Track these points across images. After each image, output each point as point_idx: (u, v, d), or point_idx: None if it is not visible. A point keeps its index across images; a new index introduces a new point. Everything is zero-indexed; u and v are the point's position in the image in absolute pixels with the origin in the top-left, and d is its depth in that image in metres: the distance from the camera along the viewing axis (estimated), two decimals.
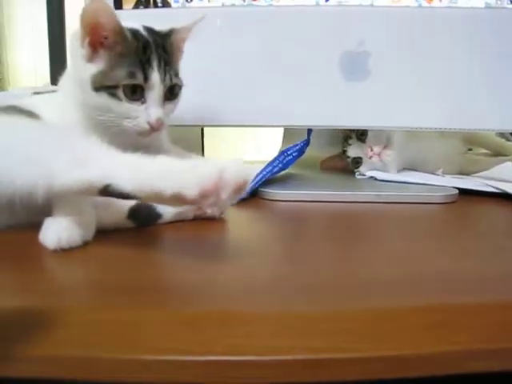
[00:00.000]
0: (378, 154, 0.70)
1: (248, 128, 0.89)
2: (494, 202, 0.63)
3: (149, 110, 0.49)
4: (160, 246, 0.46)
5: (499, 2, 0.62)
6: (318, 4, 0.63)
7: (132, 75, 0.47)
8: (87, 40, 0.48)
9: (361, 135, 0.71)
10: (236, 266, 0.39)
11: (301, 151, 0.68)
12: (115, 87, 0.47)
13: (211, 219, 0.51)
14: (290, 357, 0.28)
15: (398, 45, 0.64)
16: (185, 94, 0.54)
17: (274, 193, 0.62)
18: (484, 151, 0.89)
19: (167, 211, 0.48)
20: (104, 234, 0.44)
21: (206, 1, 0.64)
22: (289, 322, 0.30)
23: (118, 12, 0.63)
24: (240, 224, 0.54)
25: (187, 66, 0.57)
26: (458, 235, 0.52)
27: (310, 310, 0.31)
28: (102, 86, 0.47)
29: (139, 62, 0.48)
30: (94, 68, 0.48)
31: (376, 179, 0.69)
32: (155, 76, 0.48)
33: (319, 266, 0.40)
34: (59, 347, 0.28)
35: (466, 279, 0.37)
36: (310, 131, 0.68)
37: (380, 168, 0.70)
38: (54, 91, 0.83)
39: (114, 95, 0.47)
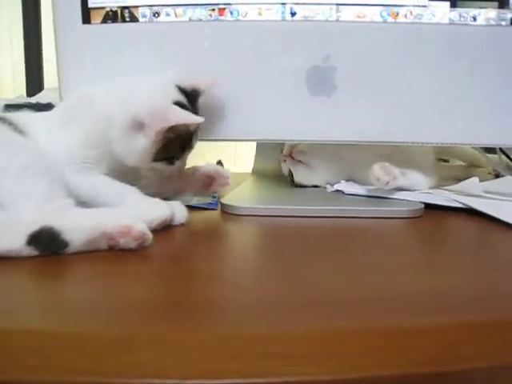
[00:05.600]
0: (289, 154, 0.72)
1: None
2: (459, 216, 0.63)
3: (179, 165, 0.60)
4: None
5: (462, 19, 0.63)
6: (284, 19, 0.64)
7: (183, 150, 0.59)
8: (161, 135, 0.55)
9: (282, 151, 0.75)
10: (174, 287, 0.39)
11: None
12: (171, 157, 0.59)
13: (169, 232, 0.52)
14: (219, 381, 0.28)
15: (363, 60, 0.65)
16: None
17: (238, 207, 0.62)
18: (460, 162, 0.90)
19: (75, 239, 0.45)
20: None
21: (173, 16, 0.65)
22: (222, 344, 0.30)
23: (86, 27, 0.65)
24: (190, 238, 0.54)
25: None
26: (419, 251, 0.53)
27: (245, 331, 0.31)
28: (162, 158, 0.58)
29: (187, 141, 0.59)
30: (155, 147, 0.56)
31: (344, 193, 0.69)
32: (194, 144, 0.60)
33: (260, 284, 0.40)
34: None
35: (413, 299, 0.37)
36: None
37: (307, 172, 0.72)
38: (28, 103, 0.83)
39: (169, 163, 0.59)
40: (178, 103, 0.57)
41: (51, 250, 0.44)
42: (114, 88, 0.59)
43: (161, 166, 0.58)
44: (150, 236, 0.47)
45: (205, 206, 0.66)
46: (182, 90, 0.59)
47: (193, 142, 0.60)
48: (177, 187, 0.64)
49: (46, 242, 0.44)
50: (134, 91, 0.58)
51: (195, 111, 0.60)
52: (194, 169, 0.65)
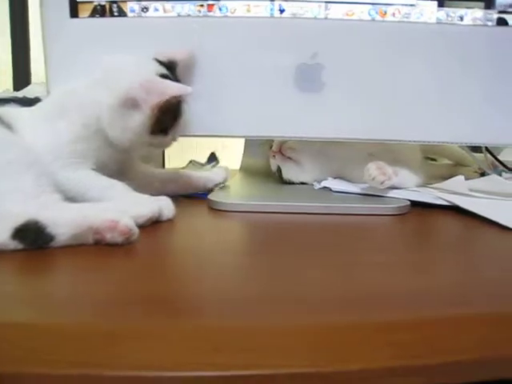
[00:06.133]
0: (279, 150, 0.72)
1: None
2: (444, 214, 0.63)
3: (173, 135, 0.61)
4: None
5: (450, 19, 0.63)
6: (272, 16, 0.64)
7: (175, 119, 0.60)
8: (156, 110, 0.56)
9: (270, 147, 0.75)
10: (159, 281, 0.39)
11: None
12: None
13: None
14: (201, 373, 0.28)
15: (352, 57, 0.65)
16: None
17: (225, 203, 0.62)
18: (446, 161, 0.91)
19: (60, 233, 0.45)
20: None
21: (161, 11, 0.64)
22: (204, 337, 0.30)
23: (73, 21, 0.65)
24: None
25: None
26: (404, 248, 0.53)
27: (228, 324, 0.31)
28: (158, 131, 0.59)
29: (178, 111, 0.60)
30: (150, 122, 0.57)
31: (331, 190, 0.69)
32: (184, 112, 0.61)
33: (245, 279, 0.40)
34: None
35: (397, 293, 0.38)
36: None
37: (296, 169, 0.73)
38: (14, 97, 0.83)
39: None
40: (162, 76, 0.58)
41: (37, 243, 0.44)
42: (96, 76, 0.60)
43: (157, 139, 0.59)
44: (137, 231, 0.47)
45: (195, 195, 0.68)
46: (161, 63, 0.61)
47: (183, 110, 0.61)
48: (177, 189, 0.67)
49: (32, 236, 0.44)
50: (117, 72, 0.59)
51: (177, 81, 0.61)
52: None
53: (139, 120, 0.56)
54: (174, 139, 0.62)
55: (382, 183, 0.65)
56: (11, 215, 0.45)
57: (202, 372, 0.28)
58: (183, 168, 0.85)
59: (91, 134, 0.57)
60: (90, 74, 0.59)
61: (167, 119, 0.59)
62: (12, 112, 0.57)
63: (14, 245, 0.44)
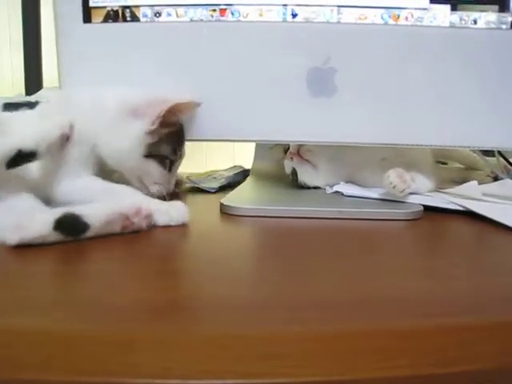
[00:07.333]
0: (297, 153, 0.71)
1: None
2: (458, 219, 0.63)
3: (172, 179, 0.63)
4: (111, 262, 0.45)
5: (463, 22, 0.63)
6: (285, 20, 0.64)
7: (174, 152, 0.62)
8: (159, 121, 0.58)
9: (287, 149, 0.74)
10: (173, 287, 0.39)
11: None
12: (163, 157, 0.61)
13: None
14: (221, 381, 0.28)
15: (364, 62, 0.65)
16: None
17: (237, 207, 0.62)
18: (458, 165, 0.90)
19: (95, 221, 0.48)
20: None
21: (174, 16, 0.65)
22: (224, 345, 0.30)
23: (86, 26, 0.65)
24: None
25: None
26: (417, 253, 0.53)
27: (247, 332, 0.31)
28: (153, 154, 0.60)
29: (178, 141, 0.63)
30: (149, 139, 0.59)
31: (343, 195, 0.69)
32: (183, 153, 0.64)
33: (258, 285, 0.40)
34: None
35: (412, 301, 0.37)
36: None
37: (312, 172, 0.72)
38: (27, 102, 0.83)
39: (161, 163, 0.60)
40: None
41: (75, 233, 0.47)
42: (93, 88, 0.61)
43: (152, 165, 0.59)
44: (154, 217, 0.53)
45: (207, 189, 0.75)
46: None
47: (183, 142, 0.61)
48: None
49: (70, 226, 0.47)
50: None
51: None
52: None
53: (137, 131, 0.57)
54: (171, 183, 0.62)
55: (401, 191, 0.64)
56: (51, 210, 0.48)
57: (221, 380, 0.28)
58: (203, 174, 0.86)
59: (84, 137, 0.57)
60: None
61: (167, 145, 0.59)
62: (7, 117, 0.58)
63: (55, 236, 0.46)
